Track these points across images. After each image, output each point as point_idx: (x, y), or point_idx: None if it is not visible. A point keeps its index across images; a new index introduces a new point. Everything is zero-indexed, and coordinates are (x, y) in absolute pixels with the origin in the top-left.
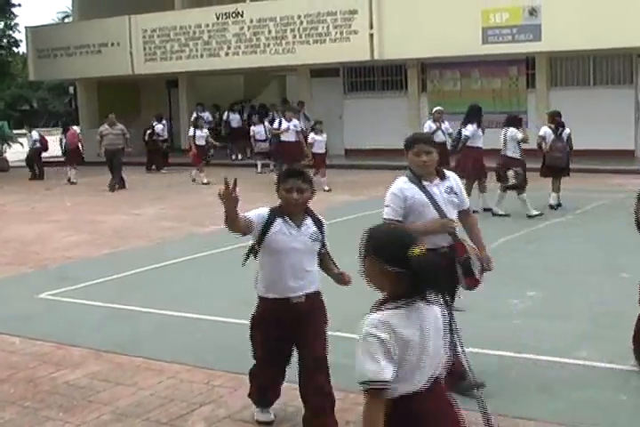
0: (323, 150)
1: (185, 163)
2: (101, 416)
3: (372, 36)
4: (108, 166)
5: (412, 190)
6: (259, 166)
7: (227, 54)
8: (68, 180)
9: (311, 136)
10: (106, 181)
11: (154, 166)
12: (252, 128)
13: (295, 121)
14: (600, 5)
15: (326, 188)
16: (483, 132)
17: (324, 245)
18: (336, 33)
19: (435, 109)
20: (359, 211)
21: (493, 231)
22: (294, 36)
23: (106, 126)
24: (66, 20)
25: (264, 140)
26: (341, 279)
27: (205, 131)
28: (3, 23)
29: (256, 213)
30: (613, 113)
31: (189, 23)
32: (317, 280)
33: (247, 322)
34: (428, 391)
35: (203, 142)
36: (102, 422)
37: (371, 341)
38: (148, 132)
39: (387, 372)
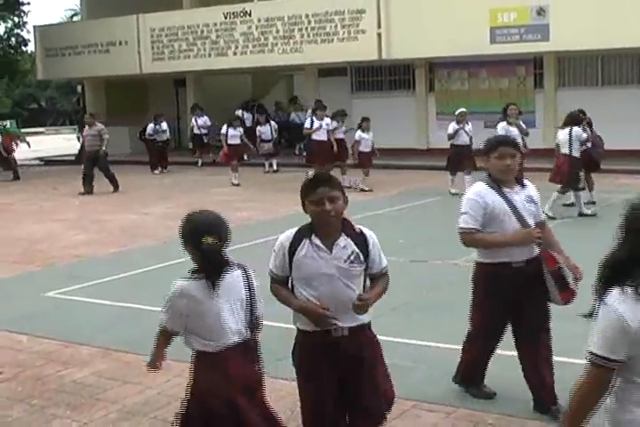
0: (369, 149)
1: (189, 162)
2: (108, 415)
3: (379, 35)
4: (84, 170)
5: (493, 196)
6: (267, 165)
7: (234, 54)
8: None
9: (358, 134)
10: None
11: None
12: (259, 128)
13: (327, 119)
14: (609, 5)
15: (366, 188)
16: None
17: (371, 266)
18: (344, 32)
19: (458, 111)
20: (367, 210)
21: None
22: (302, 36)
23: (86, 127)
24: (74, 19)
25: (269, 141)
26: (354, 306)
27: (240, 129)
28: (11, 22)
29: (280, 240)
30: (622, 113)
31: (197, 22)
32: (366, 315)
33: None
34: (229, 350)
35: (237, 141)
36: (109, 420)
37: (172, 301)
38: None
39: (169, 323)
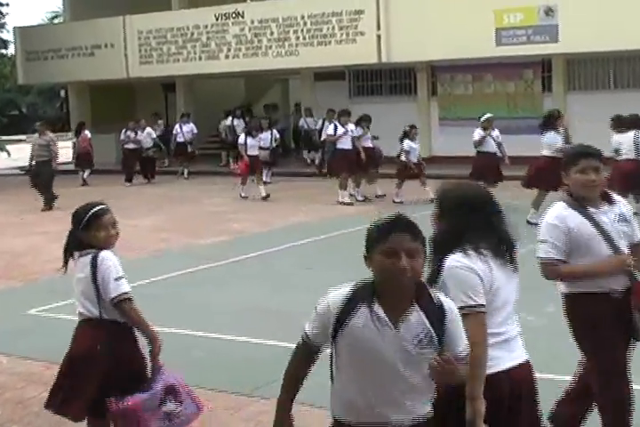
0: (416, 159)
1: (177, 171)
2: None
3: (379, 37)
4: (31, 181)
5: (576, 219)
6: (264, 175)
7: (226, 57)
8: (83, 182)
9: (406, 143)
10: (93, 191)
11: (149, 175)
12: (259, 135)
13: (351, 126)
14: (621, 4)
15: (430, 192)
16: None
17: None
18: (341, 34)
19: (484, 117)
20: (360, 224)
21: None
22: (297, 38)
23: (36, 136)
24: (55, 21)
25: (266, 149)
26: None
27: (260, 137)
28: None
29: (327, 302)
30: None
31: (187, 24)
32: (426, 409)
33: (249, 339)
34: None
35: (255, 152)
36: None
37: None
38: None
39: None
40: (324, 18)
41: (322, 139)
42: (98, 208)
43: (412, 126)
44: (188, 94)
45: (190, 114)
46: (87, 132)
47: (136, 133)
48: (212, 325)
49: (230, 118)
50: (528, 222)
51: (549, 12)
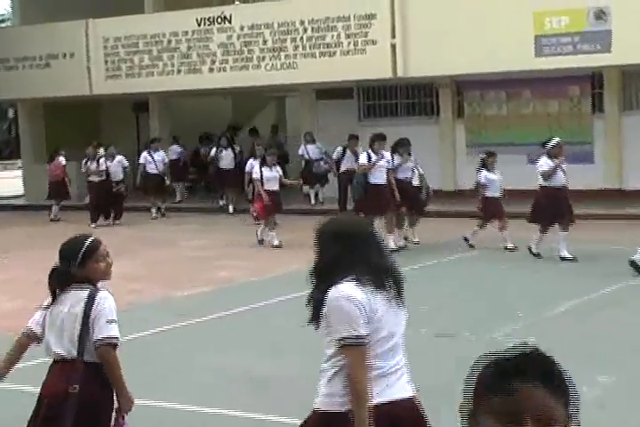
0: (498, 193)
1: (144, 207)
2: None
3: (394, 47)
4: None
5: None
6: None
7: (210, 70)
8: (51, 218)
9: (483, 175)
10: (58, 227)
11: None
12: (252, 162)
13: (386, 154)
14: None
15: (510, 245)
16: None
17: None
18: (348, 43)
19: (553, 142)
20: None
21: (564, 291)
22: (296, 48)
23: None
24: (2, 25)
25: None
26: None
27: (278, 169)
28: None
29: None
30: None
31: (163, 30)
32: None
33: (236, 413)
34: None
35: (275, 187)
36: None
37: None
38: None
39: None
40: (328, 23)
41: (341, 171)
42: (90, 240)
43: (490, 154)
44: (164, 115)
45: (161, 139)
46: (62, 159)
47: (98, 163)
48: (191, 395)
49: (215, 149)
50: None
51: (601, 15)
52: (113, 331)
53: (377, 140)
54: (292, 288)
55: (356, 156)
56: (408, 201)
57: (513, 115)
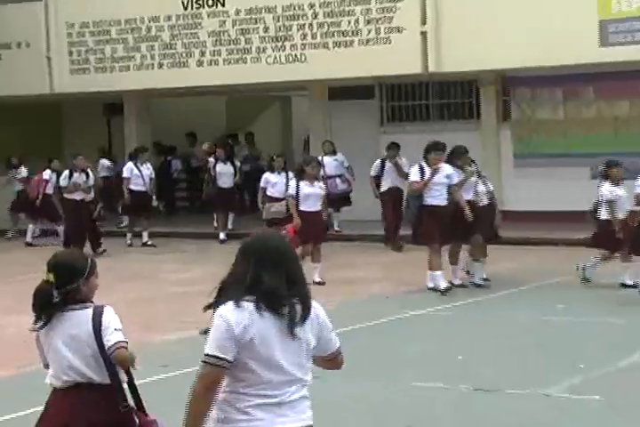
0: (624, 213)
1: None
2: None
3: (424, 35)
4: None
5: None
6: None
7: (199, 64)
8: (27, 242)
9: (606, 188)
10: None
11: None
12: (267, 177)
13: (447, 168)
14: None
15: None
16: None
17: None
18: (369, 31)
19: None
20: (403, 309)
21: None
22: (304, 36)
23: None
24: None
25: (281, 200)
26: None
27: (321, 185)
28: None
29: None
30: None
31: (141, 15)
32: None
33: None
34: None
35: (316, 206)
36: None
37: None
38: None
39: (42, 357)
40: (344, 7)
41: (382, 190)
42: (90, 255)
43: (613, 164)
44: (141, 118)
45: (147, 149)
46: (47, 172)
47: (87, 177)
48: None
49: (212, 161)
50: None
51: None
52: (122, 336)
53: (433, 149)
54: None
55: (399, 169)
56: (480, 226)
57: (571, 118)
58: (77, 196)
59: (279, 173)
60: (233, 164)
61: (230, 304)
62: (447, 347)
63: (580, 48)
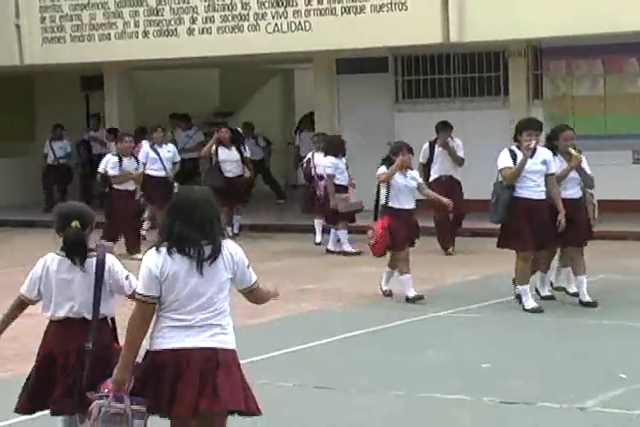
0: None
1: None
2: None
3: (445, 0)
4: None
5: None
6: (317, 235)
7: (190, 32)
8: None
9: None
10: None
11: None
12: (316, 161)
13: (545, 152)
14: None
15: None
16: None
17: None
18: None
19: None
20: (420, 311)
21: None
22: (308, 1)
23: None
24: None
25: (345, 188)
26: None
27: (415, 175)
28: None
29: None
30: None
31: None
32: None
33: None
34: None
35: (410, 204)
36: None
37: (34, 269)
38: None
39: (24, 289)
40: None
41: (431, 179)
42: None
43: None
44: (123, 94)
45: (145, 129)
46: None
47: (121, 160)
48: None
49: (214, 148)
50: None
51: None
52: (133, 282)
53: (526, 128)
54: (300, 336)
55: (452, 154)
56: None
57: (612, 95)
58: (130, 186)
59: (340, 157)
60: (239, 150)
61: (151, 251)
62: (471, 354)
63: (623, 14)
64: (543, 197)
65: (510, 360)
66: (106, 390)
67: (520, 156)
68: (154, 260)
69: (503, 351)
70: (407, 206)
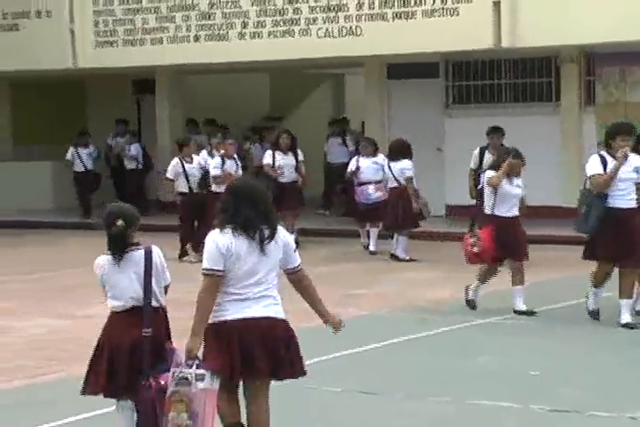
0: None
1: (167, 226)
2: None
3: (497, 5)
4: None
5: None
6: (370, 240)
7: (241, 36)
8: None
9: None
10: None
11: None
12: (361, 165)
13: (637, 159)
14: None
15: None
16: None
17: None
18: (434, 0)
19: None
20: (468, 316)
21: None
22: (360, 6)
23: None
24: None
25: (377, 182)
26: None
27: (519, 182)
28: None
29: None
30: None
31: None
32: None
33: None
34: (126, 312)
35: (513, 210)
36: None
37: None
38: None
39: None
40: None
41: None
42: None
43: None
44: (174, 98)
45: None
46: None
47: (223, 162)
48: None
49: (270, 153)
50: None
51: None
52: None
53: (622, 132)
54: (323, 347)
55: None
56: None
57: None
58: (216, 186)
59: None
60: (296, 155)
61: (216, 231)
62: (519, 361)
63: None
64: (633, 205)
65: (560, 368)
66: (163, 382)
67: (611, 162)
68: (221, 239)
69: (552, 359)
70: (511, 214)
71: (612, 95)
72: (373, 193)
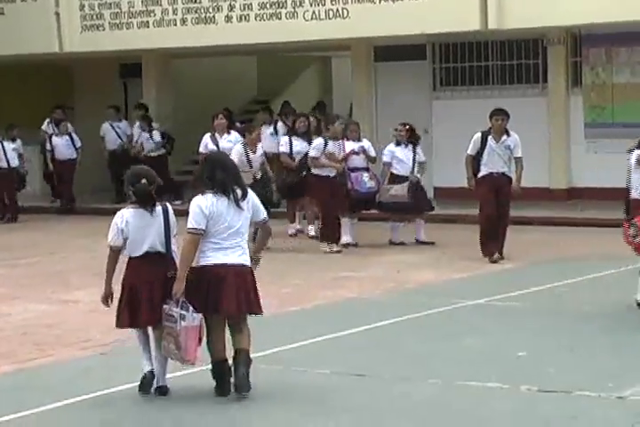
0: None
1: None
2: None
3: None
4: None
5: None
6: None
7: (228, 19)
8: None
9: None
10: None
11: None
12: (394, 149)
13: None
14: None
15: None
16: None
17: None
18: None
19: None
20: (457, 297)
21: None
22: None
23: None
24: None
25: (404, 179)
26: None
27: None
28: None
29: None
30: None
31: None
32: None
33: None
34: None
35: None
36: None
37: (114, 222)
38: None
39: (112, 241)
40: None
41: (479, 175)
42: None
43: None
44: (161, 81)
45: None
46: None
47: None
48: None
49: (288, 139)
50: None
51: None
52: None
53: None
54: (328, 325)
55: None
56: None
57: None
58: (331, 172)
59: (406, 145)
60: (309, 140)
61: (199, 196)
62: (508, 342)
63: None
64: None
65: (548, 349)
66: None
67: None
68: (203, 202)
69: (541, 340)
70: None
71: (598, 76)
72: (368, 181)
